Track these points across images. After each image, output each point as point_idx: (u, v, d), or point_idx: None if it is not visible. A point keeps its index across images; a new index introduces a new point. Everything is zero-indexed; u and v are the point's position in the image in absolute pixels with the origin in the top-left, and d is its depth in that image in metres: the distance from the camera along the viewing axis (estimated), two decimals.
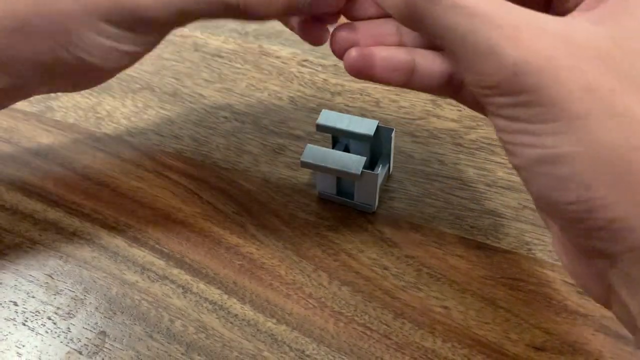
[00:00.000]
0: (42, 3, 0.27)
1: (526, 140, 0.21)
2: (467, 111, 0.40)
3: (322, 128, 0.34)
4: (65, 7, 0.27)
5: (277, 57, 0.45)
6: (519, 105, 0.21)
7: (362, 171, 0.32)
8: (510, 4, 0.21)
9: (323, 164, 0.32)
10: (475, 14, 0.21)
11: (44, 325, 0.30)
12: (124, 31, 0.28)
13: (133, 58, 0.29)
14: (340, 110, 0.41)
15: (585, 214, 0.20)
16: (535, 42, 0.20)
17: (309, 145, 0.33)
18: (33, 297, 0.31)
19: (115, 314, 0.30)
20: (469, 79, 0.23)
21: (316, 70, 0.45)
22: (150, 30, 0.28)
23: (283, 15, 0.29)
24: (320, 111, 0.35)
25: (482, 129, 0.39)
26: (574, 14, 0.23)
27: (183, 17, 0.27)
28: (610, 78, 0.20)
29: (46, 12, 0.27)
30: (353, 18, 0.27)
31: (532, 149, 0.21)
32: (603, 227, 0.20)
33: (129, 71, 0.46)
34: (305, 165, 0.33)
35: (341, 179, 0.34)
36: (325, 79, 0.44)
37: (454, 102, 0.39)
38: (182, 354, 0.29)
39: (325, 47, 0.49)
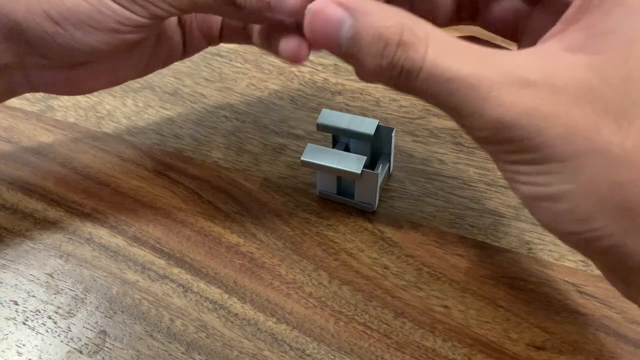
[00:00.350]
0: None
1: (522, 179, 0.22)
2: None
3: (322, 127, 0.34)
4: None
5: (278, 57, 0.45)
6: (508, 152, 0.21)
7: (362, 170, 0.32)
8: (485, 53, 0.21)
9: (323, 164, 0.32)
10: (451, 79, 0.21)
11: (45, 324, 0.30)
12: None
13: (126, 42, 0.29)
14: (340, 110, 0.41)
15: (586, 242, 0.21)
16: (514, 96, 0.20)
17: (310, 145, 0.33)
18: (33, 296, 0.31)
19: (115, 313, 0.30)
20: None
21: (316, 69, 0.45)
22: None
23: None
24: (321, 110, 0.35)
25: None
26: (552, 39, 0.22)
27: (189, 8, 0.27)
28: (594, 115, 0.20)
29: None
30: None
31: (529, 186, 0.21)
32: (605, 252, 0.21)
33: None
34: (305, 164, 0.33)
35: (341, 178, 0.34)
36: (325, 78, 0.44)
37: None
38: (183, 353, 0.29)
39: None
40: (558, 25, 0.22)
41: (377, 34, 0.21)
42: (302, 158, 0.33)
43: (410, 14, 0.22)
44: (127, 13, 0.27)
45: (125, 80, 0.34)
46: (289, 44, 0.27)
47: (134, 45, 0.30)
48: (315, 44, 0.23)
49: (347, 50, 0.22)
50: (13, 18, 0.28)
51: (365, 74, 0.23)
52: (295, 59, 0.27)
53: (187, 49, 0.35)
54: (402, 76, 0.22)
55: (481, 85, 0.20)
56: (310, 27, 0.22)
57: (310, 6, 0.22)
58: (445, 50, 0.21)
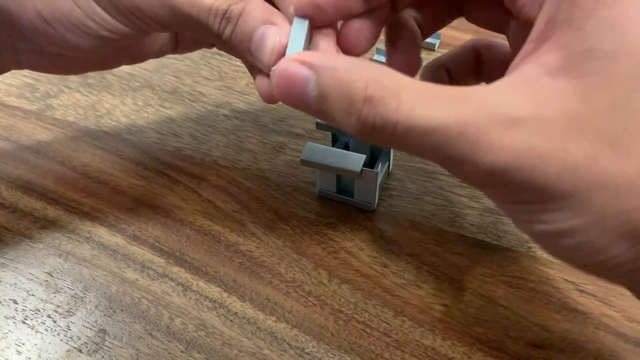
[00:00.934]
0: None
1: (526, 218, 0.21)
2: None
3: (322, 126, 0.34)
4: None
5: None
6: (507, 194, 0.20)
7: (362, 169, 0.32)
8: (464, 94, 0.20)
9: (323, 162, 0.32)
10: (432, 129, 0.19)
11: (44, 323, 0.30)
12: (111, 17, 0.27)
13: (105, 44, 0.28)
14: None
15: (605, 270, 0.21)
16: (503, 138, 0.19)
17: (309, 143, 0.33)
18: (33, 295, 0.31)
19: (115, 312, 0.30)
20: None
21: None
22: (135, 24, 0.27)
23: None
24: None
25: None
26: (528, 62, 0.21)
27: (173, 21, 0.27)
28: (589, 146, 0.19)
29: None
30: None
31: (535, 225, 0.20)
32: (626, 276, 0.21)
33: (129, 69, 0.45)
34: (305, 163, 0.33)
35: (341, 177, 0.34)
36: None
37: None
38: (182, 351, 0.29)
39: None
40: (528, 45, 0.21)
41: (341, 89, 0.20)
42: (301, 157, 0.33)
43: (379, 65, 0.21)
44: (116, 23, 0.27)
45: (115, 67, 0.34)
46: (263, 83, 0.27)
47: (122, 46, 0.31)
48: (286, 103, 0.22)
49: (317, 108, 0.21)
50: (6, 8, 0.28)
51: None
52: (267, 100, 0.27)
53: (178, 48, 0.35)
54: (376, 132, 0.20)
55: (468, 132, 0.19)
56: (278, 88, 0.22)
57: (275, 67, 0.21)
58: (421, 99, 0.20)
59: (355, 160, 0.32)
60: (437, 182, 0.36)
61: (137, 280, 0.32)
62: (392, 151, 0.35)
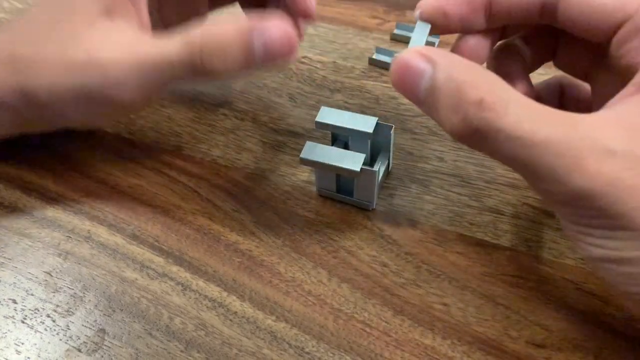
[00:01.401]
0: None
1: (590, 241, 0.22)
2: None
3: (321, 125, 0.34)
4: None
5: None
6: (583, 216, 0.22)
7: (361, 168, 0.31)
8: (569, 118, 0.21)
9: (322, 161, 0.32)
10: (534, 144, 0.21)
11: (43, 322, 0.30)
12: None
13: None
14: (339, 107, 0.41)
15: None
16: (598, 167, 0.20)
17: (309, 143, 0.33)
18: (32, 294, 0.31)
19: (114, 311, 0.30)
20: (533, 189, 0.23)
21: (315, 67, 0.45)
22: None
23: (242, 70, 0.29)
24: (320, 108, 0.35)
25: None
26: (629, 101, 0.22)
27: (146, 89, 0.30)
28: None
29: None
30: None
31: (597, 249, 0.22)
32: None
33: None
34: (304, 162, 0.33)
35: (340, 176, 0.34)
36: (324, 76, 0.44)
37: None
38: (182, 351, 0.29)
39: (324, 44, 0.49)
40: (629, 87, 0.23)
41: (454, 87, 0.21)
42: (301, 156, 0.32)
43: (495, 75, 0.22)
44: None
45: None
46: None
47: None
48: (398, 91, 0.24)
49: (425, 101, 0.22)
50: (34, 94, 0.31)
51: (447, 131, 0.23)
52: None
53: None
54: (476, 135, 0.21)
55: (569, 154, 0.20)
56: (395, 75, 0.23)
57: (397, 55, 0.23)
58: (528, 114, 0.21)
59: (354, 159, 0.32)
60: (436, 182, 0.36)
61: (136, 279, 0.32)
62: (391, 150, 0.35)
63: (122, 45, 0.30)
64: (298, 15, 0.32)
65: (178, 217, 0.35)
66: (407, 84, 0.23)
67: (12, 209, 0.35)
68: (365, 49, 0.47)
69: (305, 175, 0.37)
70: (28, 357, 0.29)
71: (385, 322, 0.29)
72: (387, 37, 0.48)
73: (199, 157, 0.38)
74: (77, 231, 0.34)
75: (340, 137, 0.36)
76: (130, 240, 0.33)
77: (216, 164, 0.38)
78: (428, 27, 0.27)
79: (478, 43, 0.27)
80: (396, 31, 0.47)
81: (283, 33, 0.27)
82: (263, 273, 0.32)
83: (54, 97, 0.30)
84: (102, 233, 0.34)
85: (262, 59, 0.27)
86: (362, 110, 0.41)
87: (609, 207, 0.21)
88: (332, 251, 0.33)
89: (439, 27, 0.27)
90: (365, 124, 0.33)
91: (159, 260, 0.32)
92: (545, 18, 0.26)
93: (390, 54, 0.45)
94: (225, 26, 0.28)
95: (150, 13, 0.33)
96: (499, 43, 0.29)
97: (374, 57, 0.45)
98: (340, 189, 0.35)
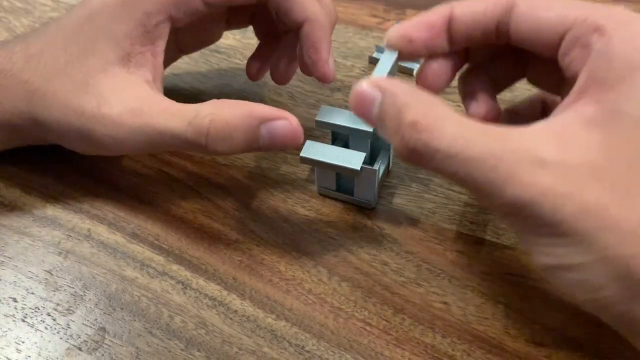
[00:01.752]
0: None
1: (540, 250, 0.23)
2: None
3: (321, 124, 0.34)
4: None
5: None
6: (527, 226, 0.23)
7: (361, 167, 0.31)
8: (502, 133, 0.23)
9: (323, 160, 0.32)
10: (470, 160, 0.22)
11: (44, 321, 0.30)
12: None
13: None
14: (339, 106, 0.41)
15: (600, 308, 0.23)
16: (530, 177, 0.21)
17: (309, 141, 0.33)
18: (32, 293, 0.31)
19: (114, 310, 0.30)
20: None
21: None
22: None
23: (243, 152, 0.32)
24: (320, 107, 0.35)
25: None
26: (569, 110, 0.24)
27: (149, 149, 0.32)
28: (603, 194, 0.21)
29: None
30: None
31: (546, 257, 0.23)
32: (618, 317, 0.23)
33: None
34: (304, 161, 0.33)
35: (341, 174, 0.34)
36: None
37: (453, 97, 0.39)
38: (182, 349, 0.29)
39: None
40: (570, 96, 0.24)
41: (395, 111, 0.23)
42: (301, 154, 0.32)
43: (435, 97, 0.24)
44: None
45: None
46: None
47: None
48: (357, 116, 0.26)
49: (378, 124, 0.25)
50: (45, 122, 0.32)
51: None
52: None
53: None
54: (416, 155, 0.23)
55: (501, 166, 0.22)
56: (352, 102, 0.25)
57: (355, 85, 0.25)
58: (462, 132, 0.22)
59: (355, 158, 0.32)
60: (437, 180, 0.36)
61: (136, 278, 0.32)
62: (391, 149, 0.35)
63: (133, 105, 0.30)
64: (315, 76, 0.34)
65: (178, 215, 0.35)
66: (363, 110, 0.25)
67: (12, 208, 0.35)
68: (365, 47, 0.47)
69: (305, 174, 0.37)
70: (29, 356, 0.29)
71: (386, 320, 0.29)
72: None
73: (198, 156, 0.38)
74: (77, 230, 0.34)
75: (340, 136, 0.36)
76: (130, 239, 0.33)
77: (216, 162, 0.38)
78: (395, 54, 0.29)
79: (439, 67, 0.29)
80: None
81: (289, 130, 0.29)
82: (263, 272, 0.32)
83: (63, 130, 0.32)
84: (102, 232, 0.34)
85: (265, 147, 0.29)
86: None
87: (546, 215, 0.22)
88: (332, 250, 0.33)
89: (405, 53, 0.29)
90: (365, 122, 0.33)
91: (159, 259, 0.32)
92: (502, 38, 0.28)
93: None
94: (234, 112, 0.29)
95: (167, 41, 0.34)
96: (466, 65, 0.31)
97: (374, 55, 0.45)
98: (340, 188, 0.35)
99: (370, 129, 0.32)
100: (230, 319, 0.30)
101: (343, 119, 0.33)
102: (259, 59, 0.39)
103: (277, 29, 0.36)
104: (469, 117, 0.23)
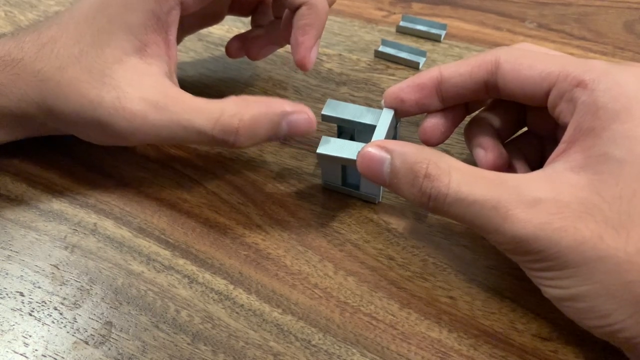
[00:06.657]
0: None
1: (546, 283, 0.25)
2: None
3: (327, 118, 0.34)
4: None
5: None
6: (531, 261, 0.25)
7: None
8: (501, 178, 0.25)
9: (341, 155, 0.31)
10: (473, 202, 0.25)
11: (50, 315, 0.30)
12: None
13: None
14: (345, 100, 0.41)
15: (609, 334, 0.24)
16: (526, 215, 0.24)
17: (324, 137, 0.32)
18: (39, 287, 0.31)
19: (121, 304, 0.30)
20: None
21: (321, 59, 0.45)
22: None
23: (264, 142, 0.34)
24: (326, 101, 0.34)
25: None
26: (558, 159, 0.26)
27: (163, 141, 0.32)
28: (596, 226, 0.23)
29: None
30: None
31: (553, 289, 0.25)
32: (627, 342, 0.24)
33: None
34: (321, 157, 0.32)
35: (346, 169, 0.34)
36: (329, 69, 0.44)
37: None
38: (188, 344, 0.29)
39: (330, 37, 0.48)
40: (561, 145, 0.26)
41: (408, 169, 0.26)
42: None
43: (437, 151, 0.27)
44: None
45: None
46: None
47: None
48: (367, 177, 0.28)
49: (389, 181, 0.27)
50: (60, 112, 0.32)
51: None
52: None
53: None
54: (431, 202, 0.26)
55: (499, 207, 0.24)
56: (361, 165, 0.28)
57: (361, 150, 0.28)
58: (466, 179, 0.25)
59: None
60: None
61: (143, 272, 0.32)
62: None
63: (155, 99, 0.30)
64: (295, 60, 0.34)
65: (184, 210, 0.35)
66: (373, 171, 0.27)
67: (18, 202, 0.35)
68: (371, 41, 0.46)
69: (311, 168, 0.37)
70: (35, 350, 0.29)
71: (392, 315, 0.29)
72: (393, 30, 0.48)
73: (204, 150, 0.38)
74: (84, 224, 0.34)
75: (345, 130, 0.36)
76: (136, 233, 0.33)
77: (222, 157, 0.38)
78: (392, 112, 0.32)
79: (438, 121, 0.32)
80: (402, 23, 0.47)
81: (306, 122, 0.31)
82: (269, 266, 0.32)
83: (79, 121, 0.31)
84: (108, 226, 0.34)
85: (282, 138, 0.32)
86: (368, 102, 0.41)
87: (544, 249, 0.23)
88: (338, 244, 0.33)
89: (400, 112, 0.32)
90: (371, 116, 0.33)
91: (165, 253, 0.32)
92: (492, 93, 0.30)
93: (396, 46, 0.45)
94: (260, 110, 0.31)
95: None
96: (470, 117, 0.33)
97: (379, 49, 0.45)
98: (346, 182, 0.35)
99: (376, 123, 0.32)
100: (237, 313, 0.30)
101: (349, 112, 0.33)
102: (240, 39, 0.40)
103: (271, 18, 0.37)
104: (473, 166, 0.26)
